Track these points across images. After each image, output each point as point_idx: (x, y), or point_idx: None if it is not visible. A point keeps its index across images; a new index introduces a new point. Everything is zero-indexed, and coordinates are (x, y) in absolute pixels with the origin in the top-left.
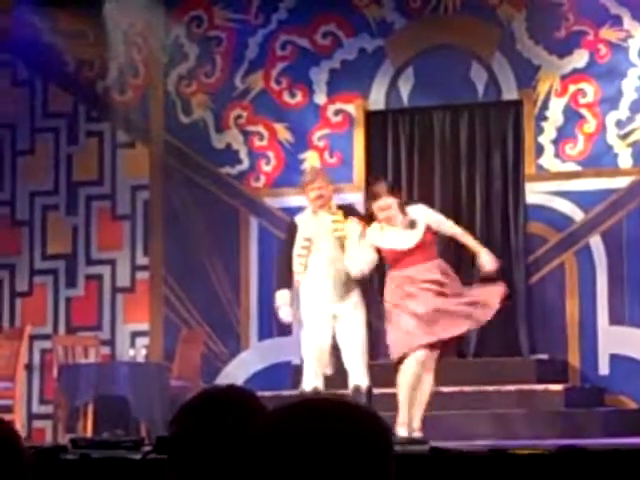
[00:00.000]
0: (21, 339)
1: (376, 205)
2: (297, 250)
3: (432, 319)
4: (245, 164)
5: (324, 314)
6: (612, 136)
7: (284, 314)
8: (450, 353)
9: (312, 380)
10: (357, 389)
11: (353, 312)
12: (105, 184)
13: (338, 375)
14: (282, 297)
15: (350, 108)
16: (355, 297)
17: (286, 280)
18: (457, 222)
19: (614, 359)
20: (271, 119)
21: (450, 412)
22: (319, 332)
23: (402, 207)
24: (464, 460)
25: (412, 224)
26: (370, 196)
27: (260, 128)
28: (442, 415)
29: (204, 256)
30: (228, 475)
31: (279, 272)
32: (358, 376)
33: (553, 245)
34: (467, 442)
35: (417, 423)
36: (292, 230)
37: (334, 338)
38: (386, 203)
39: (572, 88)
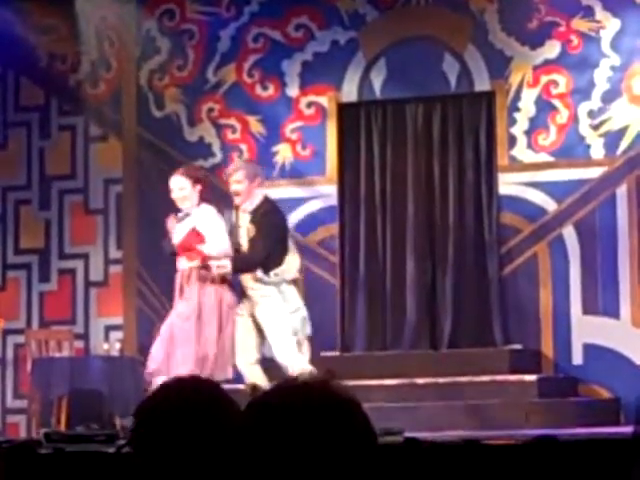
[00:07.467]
0: None
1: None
2: None
3: None
4: (218, 157)
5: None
6: (584, 127)
7: None
8: None
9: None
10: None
11: (260, 310)
12: (78, 178)
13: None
14: None
15: (323, 100)
16: (257, 295)
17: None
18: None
19: (588, 349)
20: (243, 112)
21: (424, 403)
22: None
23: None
24: (438, 451)
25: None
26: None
27: (233, 121)
28: (416, 406)
29: None
30: (195, 465)
31: None
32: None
33: (526, 236)
34: (441, 433)
35: None
36: None
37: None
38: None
39: (544, 79)
